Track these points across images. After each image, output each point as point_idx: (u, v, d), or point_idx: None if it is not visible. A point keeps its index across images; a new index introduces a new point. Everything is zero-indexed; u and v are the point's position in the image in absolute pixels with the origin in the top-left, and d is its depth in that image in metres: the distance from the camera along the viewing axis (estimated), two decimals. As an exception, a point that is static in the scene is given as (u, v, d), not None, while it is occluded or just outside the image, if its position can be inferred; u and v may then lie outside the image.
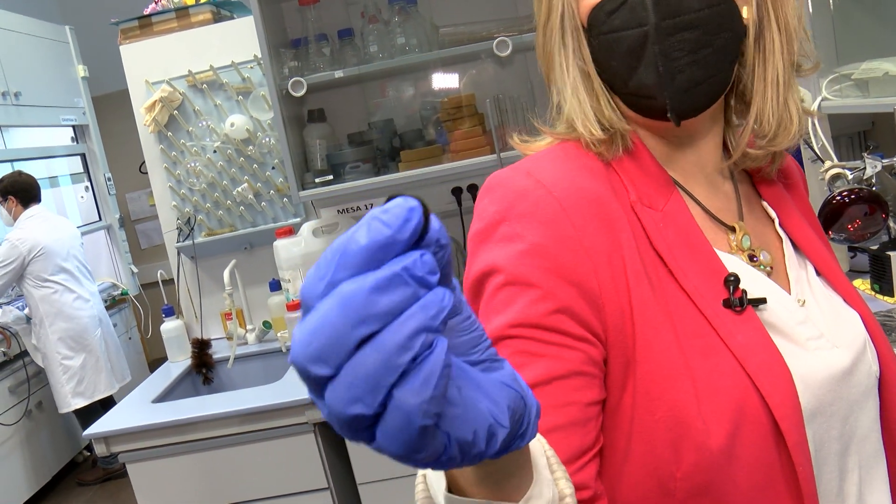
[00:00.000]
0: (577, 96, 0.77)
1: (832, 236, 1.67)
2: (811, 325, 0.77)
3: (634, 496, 0.70)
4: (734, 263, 0.77)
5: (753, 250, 0.81)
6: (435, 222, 0.38)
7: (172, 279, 2.92)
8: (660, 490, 0.69)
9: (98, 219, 5.22)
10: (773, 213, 0.86)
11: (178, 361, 2.73)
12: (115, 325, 4.59)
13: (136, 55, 2.75)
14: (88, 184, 5.21)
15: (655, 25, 0.71)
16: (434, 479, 0.50)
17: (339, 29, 2.51)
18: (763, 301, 0.74)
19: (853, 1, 2.05)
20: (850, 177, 1.86)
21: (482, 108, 2.44)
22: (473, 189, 2.68)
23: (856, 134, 2.78)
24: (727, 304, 0.72)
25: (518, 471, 0.49)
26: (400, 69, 2.54)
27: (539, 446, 0.53)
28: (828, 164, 1.93)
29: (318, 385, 0.36)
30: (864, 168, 1.83)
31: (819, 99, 2.14)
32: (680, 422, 0.68)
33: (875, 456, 0.78)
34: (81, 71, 4.98)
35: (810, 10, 2.06)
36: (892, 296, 1.98)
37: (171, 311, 2.78)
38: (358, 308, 0.35)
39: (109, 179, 5.19)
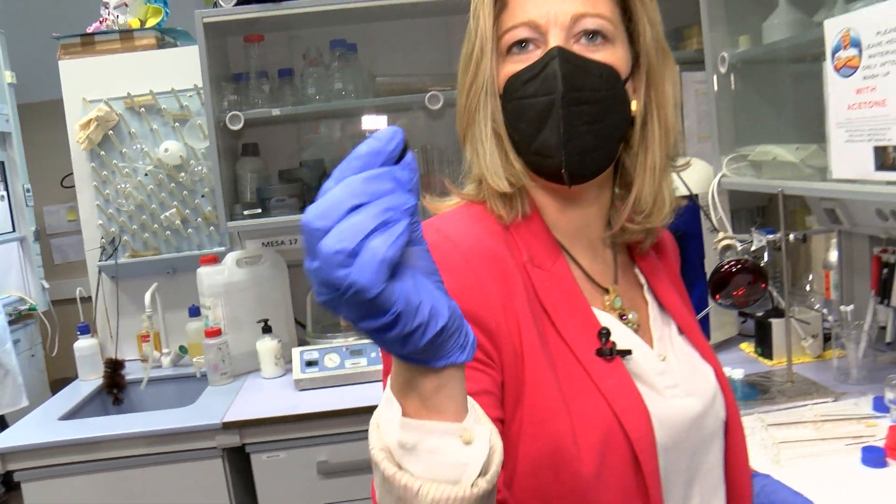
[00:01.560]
0: (489, 154, 0.89)
1: (720, 301, 1.84)
2: (669, 375, 0.91)
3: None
4: (606, 319, 0.91)
5: (624, 310, 0.95)
6: (409, 153, 0.54)
7: (90, 297, 2.92)
8: None
9: (12, 230, 5.11)
10: (643, 280, 1.00)
11: (89, 380, 2.72)
12: (17, 341, 4.47)
13: (75, 71, 2.78)
14: (5, 193, 5.10)
15: (562, 94, 0.85)
16: (386, 421, 0.61)
17: (279, 68, 2.62)
18: (629, 352, 0.87)
19: (753, 90, 2.26)
20: (740, 248, 2.04)
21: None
22: (396, 232, 2.79)
23: (755, 208, 3.00)
24: (599, 353, 0.85)
25: (458, 396, 0.60)
26: (335, 112, 2.65)
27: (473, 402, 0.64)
28: (721, 235, 2.12)
29: (315, 238, 0.50)
30: (752, 241, 2.02)
31: (719, 175, 2.34)
32: (558, 450, 0.80)
33: (716, 487, 0.94)
34: (9, 77, 4.90)
35: (716, 93, 2.27)
36: (772, 358, 2.16)
37: (87, 329, 2.78)
38: (353, 188, 0.50)
39: (28, 191, 5.09)
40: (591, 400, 0.82)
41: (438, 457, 0.59)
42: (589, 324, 0.88)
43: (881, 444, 1.54)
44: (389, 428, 0.60)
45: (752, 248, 2.05)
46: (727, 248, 2.09)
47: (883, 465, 1.49)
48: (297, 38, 2.71)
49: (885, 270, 1.97)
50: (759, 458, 1.53)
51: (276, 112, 2.47)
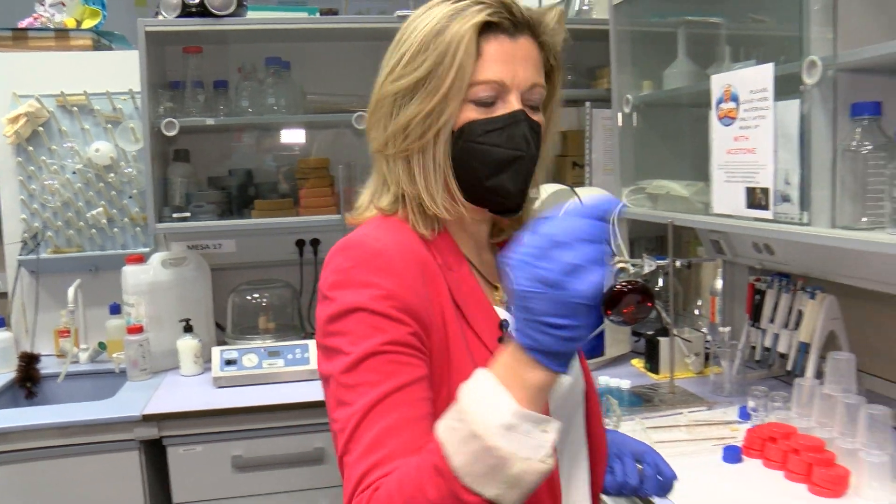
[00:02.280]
0: (434, 182, 1.03)
1: (611, 317, 2.04)
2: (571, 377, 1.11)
3: None
4: (501, 312, 1.08)
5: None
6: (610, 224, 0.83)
7: (6, 292, 2.94)
8: None
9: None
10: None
11: (1, 374, 2.74)
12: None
13: (6, 65, 2.81)
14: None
15: (527, 154, 1.02)
16: (489, 404, 0.80)
17: (215, 79, 2.73)
18: None
19: (653, 130, 2.50)
20: (632, 271, 2.26)
21: (334, 171, 2.72)
22: (316, 243, 2.93)
23: (654, 237, 3.26)
24: (500, 340, 1.02)
25: (547, 396, 0.84)
26: (266, 125, 2.79)
27: None
28: (616, 259, 2.33)
29: (552, 246, 0.78)
30: (644, 265, 2.24)
31: (620, 205, 2.56)
32: None
33: (581, 445, 1.16)
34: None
35: (619, 130, 2.49)
36: (658, 373, 2.38)
37: (2, 323, 2.81)
38: (586, 227, 0.80)
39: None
40: None
41: (527, 439, 0.78)
42: (491, 317, 1.04)
43: (740, 444, 1.76)
44: (492, 410, 0.79)
45: (644, 272, 2.27)
46: (621, 270, 2.29)
47: (739, 460, 1.71)
48: (234, 53, 2.83)
49: (758, 297, 2.22)
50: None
51: (209, 121, 2.58)
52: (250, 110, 2.68)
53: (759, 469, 1.69)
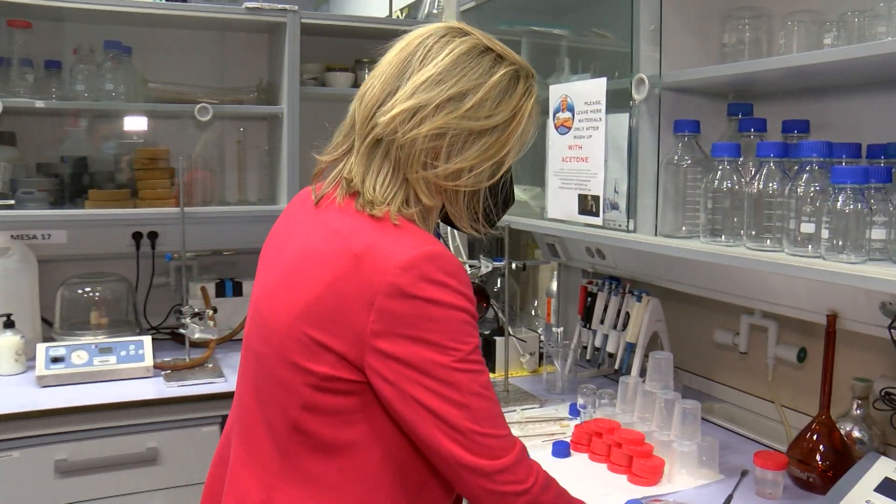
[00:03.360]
0: (470, 211, 1.20)
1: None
2: None
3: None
4: None
5: None
6: None
7: None
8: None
9: None
10: None
11: None
12: None
13: None
14: None
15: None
16: None
17: (47, 59, 2.57)
18: None
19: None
20: (470, 272, 2.33)
21: (175, 163, 2.63)
22: (154, 236, 2.82)
23: (495, 240, 3.36)
24: None
25: None
26: (103, 111, 2.65)
27: None
28: (458, 260, 2.40)
29: None
30: (481, 266, 2.31)
31: (463, 208, 2.63)
32: None
33: None
34: None
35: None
36: (494, 371, 2.46)
37: None
38: None
39: None
40: None
41: None
42: None
43: (568, 439, 1.85)
44: None
45: (481, 273, 2.35)
46: (464, 272, 2.37)
47: (567, 455, 1.80)
48: (69, 32, 2.68)
49: (590, 299, 2.33)
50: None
51: (39, 104, 2.43)
52: (86, 95, 2.55)
53: (585, 462, 1.78)
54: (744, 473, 1.69)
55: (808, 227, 1.38)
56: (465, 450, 1.04)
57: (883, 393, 1.62)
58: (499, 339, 2.45)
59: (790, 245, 1.41)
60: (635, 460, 1.67)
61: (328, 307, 1.06)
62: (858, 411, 1.70)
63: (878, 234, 1.31)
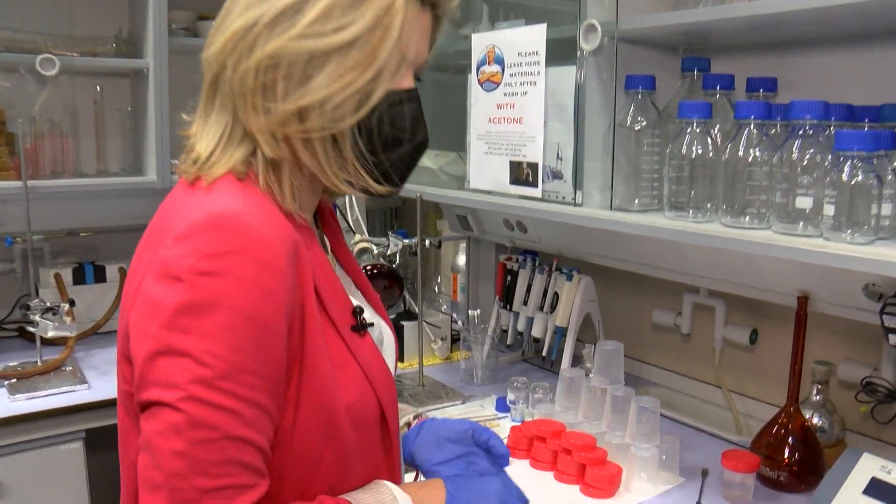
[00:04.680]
0: (334, 161, 0.84)
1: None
2: (386, 341, 1.00)
3: (294, 474, 0.84)
4: (354, 299, 0.93)
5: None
6: None
7: None
8: (309, 470, 0.85)
9: None
10: (328, 244, 1.03)
11: None
12: None
13: None
14: None
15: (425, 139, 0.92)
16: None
17: None
18: (372, 325, 0.93)
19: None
20: (376, 252, 2.04)
21: (13, 127, 2.18)
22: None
23: (389, 210, 3.08)
24: (354, 328, 0.90)
25: None
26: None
27: None
28: (357, 237, 2.10)
29: None
30: (389, 245, 2.03)
31: (360, 176, 2.33)
32: (331, 418, 0.84)
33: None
34: None
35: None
36: (403, 360, 2.20)
37: None
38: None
39: None
40: (351, 371, 0.88)
41: None
42: (345, 303, 0.90)
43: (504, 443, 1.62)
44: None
45: (389, 252, 2.07)
46: (363, 251, 2.08)
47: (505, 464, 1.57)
48: None
49: (509, 277, 2.10)
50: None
51: None
52: None
53: (527, 471, 1.55)
54: (704, 473, 1.51)
55: (804, 202, 1.18)
56: None
57: (864, 382, 1.46)
58: (408, 325, 2.19)
59: (779, 222, 1.21)
60: (588, 469, 1.46)
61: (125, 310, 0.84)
62: (818, 397, 1.56)
63: (887, 209, 1.13)
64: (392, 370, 0.98)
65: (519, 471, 1.55)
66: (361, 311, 0.91)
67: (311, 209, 0.94)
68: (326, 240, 1.02)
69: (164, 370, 0.74)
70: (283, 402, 0.80)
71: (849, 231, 1.13)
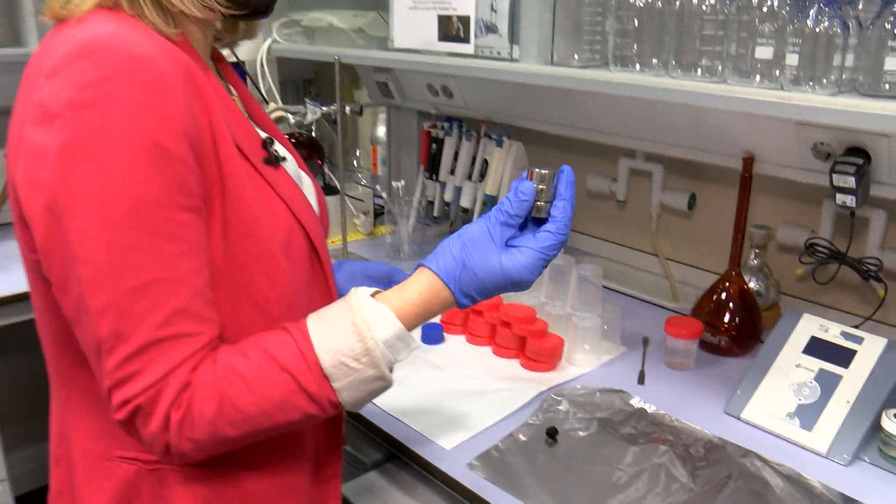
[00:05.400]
0: None
1: (275, 179, 1.67)
2: (305, 182, 0.94)
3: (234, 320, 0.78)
4: (260, 131, 0.86)
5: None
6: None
7: None
8: (258, 312, 0.80)
9: None
10: (234, 91, 0.95)
11: None
12: None
13: None
14: None
15: None
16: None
17: None
18: (285, 159, 0.87)
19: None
20: (293, 121, 1.89)
21: None
22: None
23: (301, 80, 2.88)
24: (268, 161, 0.83)
25: None
26: None
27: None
28: (272, 105, 1.94)
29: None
30: (306, 113, 1.87)
31: (269, 41, 2.13)
32: (267, 252, 0.79)
33: None
34: None
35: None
36: (328, 238, 2.08)
37: None
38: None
39: None
40: (275, 205, 0.82)
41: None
42: (251, 134, 0.83)
43: (438, 319, 1.55)
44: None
45: (307, 121, 1.91)
46: (279, 120, 1.92)
47: (440, 340, 1.50)
48: None
49: (434, 146, 1.98)
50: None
51: None
52: None
53: (463, 347, 1.49)
54: (646, 341, 1.48)
55: (764, 52, 1.09)
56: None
57: (808, 244, 1.43)
58: (329, 200, 2.05)
59: (735, 75, 1.13)
60: (529, 341, 1.40)
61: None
62: (756, 261, 1.53)
63: (850, 60, 1.05)
64: (315, 211, 0.93)
65: (455, 346, 1.49)
66: (272, 141, 0.84)
67: (204, 48, 0.85)
68: (232, 89, 0.93)
69: (65, 224, 0.66)
70: (208, 238, 0.74)
71: (810, 83, 1.06)
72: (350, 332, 0.75)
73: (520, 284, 0.82)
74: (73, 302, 0.69)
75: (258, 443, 0.78)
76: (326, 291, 0.90)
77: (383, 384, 0.78)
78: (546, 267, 0.83)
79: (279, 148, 0.87)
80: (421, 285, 0.81)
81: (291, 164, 0.90)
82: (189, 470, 0.81)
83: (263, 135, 0.85)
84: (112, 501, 0.82)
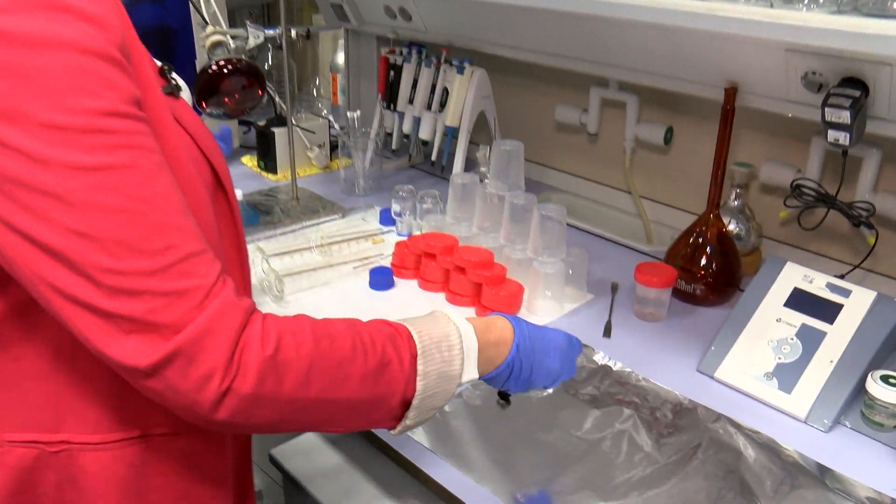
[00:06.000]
0: None
1: (209, 110, 1.51)
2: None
3: None
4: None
5: None
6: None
7: None
8: None
9: None
10: None
11: None
12: None
13: None
14: None
15: None
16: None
17: None
18: (181, 88, 0.80)
19: None
20: (233, 46, 1.71)
21: None
22: None
23: (260, 6, 2.68)
24: (166, 90, 0.74)
25: None
26: None
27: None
28: (209, 28, 1.75)
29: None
30: (248, 38, 1.70)
31: None
32: (194, 189, 0.73)
33: None
34: None
35: None
36: (276, 172, 1.93)
37: None
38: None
39: None
40: (183, 137, 0.75)
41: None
42: (150, 59, 0.75)
43: (388, 263, 1.42)
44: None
45: (249, 47, 1.74)
46: (217, 44, 1.74)
47: (390, 285, 1.37)
48: None
49: (392, 73, 1.82)
50: (260, 298, 1.30)
51: None
52: None
53: (415, 293, 1.36)
54: (614, 288, 1.36)
55: (754, -40, 0.94)
56: (98, 320, 0.59)
57: (794, 185, 1.30)
58: (278, 131, 1.90)
59: (720, -12, 0.98)
60: (485, 288, 1.27)
61: None
62: (737, 202, 1.41)
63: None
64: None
65: (406, 292, 1.36)
66: (171, 69, 0.78)
67: None
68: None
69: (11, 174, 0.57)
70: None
71: (805, 1, 0.91)
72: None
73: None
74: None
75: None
76: (233, 227, 0.84)
77: (452, 387, 0.79)
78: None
79: (176, 77, 0.80)
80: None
81: (187, 95, 0.83)
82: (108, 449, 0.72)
83: (158, 63, 0.78)
84: (2, 493, 0.70)
